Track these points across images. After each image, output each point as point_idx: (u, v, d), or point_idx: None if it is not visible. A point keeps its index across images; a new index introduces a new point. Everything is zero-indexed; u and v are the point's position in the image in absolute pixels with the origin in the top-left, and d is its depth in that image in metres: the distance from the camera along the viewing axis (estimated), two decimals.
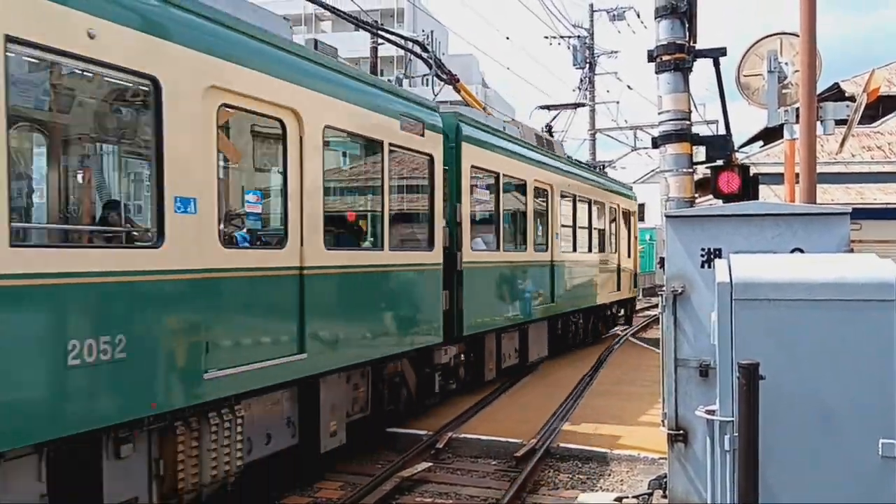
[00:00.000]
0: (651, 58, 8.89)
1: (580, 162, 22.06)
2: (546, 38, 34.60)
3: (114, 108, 6.51)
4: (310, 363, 7.61)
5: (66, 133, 6.74)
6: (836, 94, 17.55)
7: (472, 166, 12.10)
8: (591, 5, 35.31)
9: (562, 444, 9.68)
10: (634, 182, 30.53)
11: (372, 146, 9.27)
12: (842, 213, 5.57)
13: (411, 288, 10.02)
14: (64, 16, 5.00)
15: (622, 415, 11.27)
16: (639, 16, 36.85)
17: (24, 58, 5.29)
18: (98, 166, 7.16)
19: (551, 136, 19.90)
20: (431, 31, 17.78)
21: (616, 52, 39.42)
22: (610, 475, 8.86)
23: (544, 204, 15.39)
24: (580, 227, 17.93)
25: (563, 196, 16.45)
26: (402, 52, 18.66)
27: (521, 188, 14.29)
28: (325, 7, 12.19)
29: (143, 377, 5.61)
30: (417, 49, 15.62)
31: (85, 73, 5.89)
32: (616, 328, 23.41)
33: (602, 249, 20.05)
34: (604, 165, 28.29)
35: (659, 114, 8.98)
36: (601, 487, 8.45)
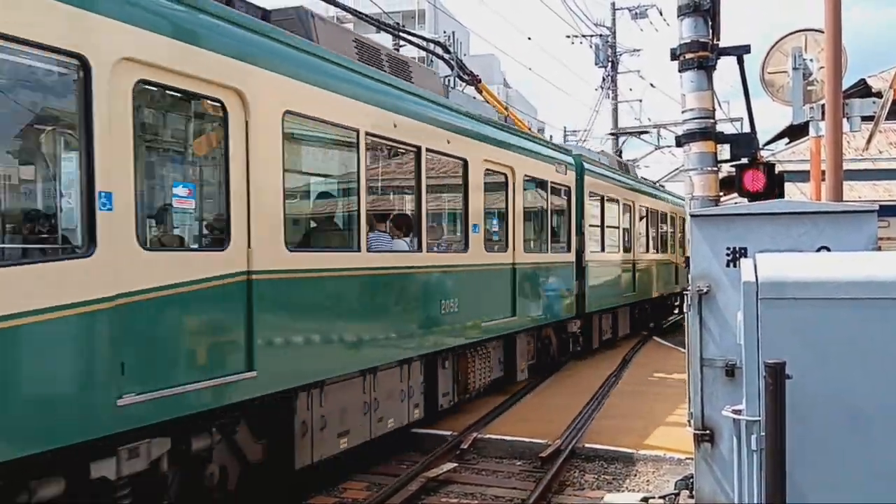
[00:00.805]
0: (674, 56, 8.84)
1: (645, 179, 27.17)
2: (568, 37, 34.55)
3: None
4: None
5: None
6: (862, 90, 17.34)
7: (590, 192, 16.59)
8: (613, 3, 35.16)
9: (587, 445, 9.66)
10: (658, 181, 30.31)
11: (541, 184, 13.91)
12: (869, 210, 5.52)
13: (559, 278, 14.55)
14: None
15: (648, 415, 11.23)
16: (661, 13, 36.68)
17: None
18: None
19: (621, 157, 26.79)
20: (453, 32, 17.85)
21: (638, 50, 39.27)
22: (636, 475, 8.82)
23: (627, 216, 20.12)
24: (650, 232, 22.52)
25: (640, 208, 21.33)
26: (423, 53, 18.67)
27: (615, 203, 18.81)
28: (347, 9, 12.24)
29: None
30: (439, 50, 15.60)
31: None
32: (675, 314, 26.91)
33: (664, 250, 24.67)
34: (628, 164, 28.19)
35: (682, 112, 8.92)
36: (627, 488, 8.43)
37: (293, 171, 7.97)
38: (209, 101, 6.29)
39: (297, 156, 8.33)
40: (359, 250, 8.24)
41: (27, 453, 4.72)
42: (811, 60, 9.76)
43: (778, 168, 10.21)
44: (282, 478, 7.51)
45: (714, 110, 8.95)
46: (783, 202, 7.18)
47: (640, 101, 70.41)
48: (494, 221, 12.07)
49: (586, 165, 16.46)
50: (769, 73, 10.09)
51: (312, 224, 8.61)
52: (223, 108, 6.29)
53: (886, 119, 10.45)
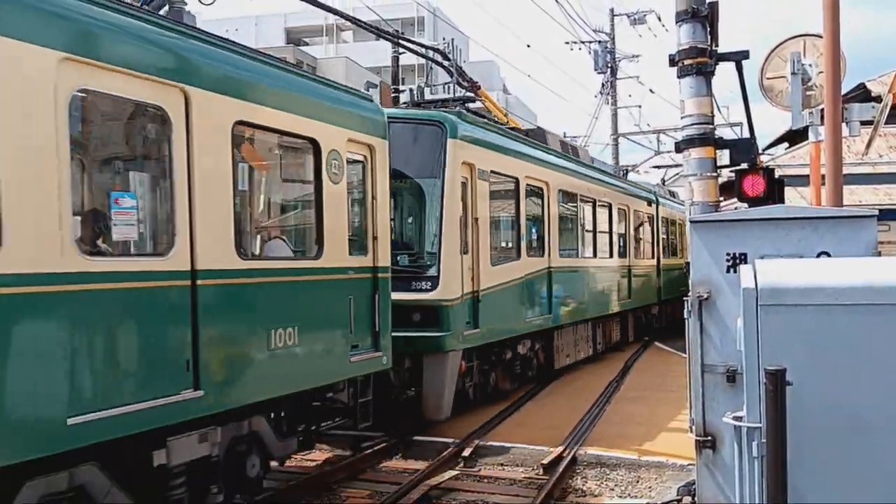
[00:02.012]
0: (673, 62, 8.84)
1: (675, 195, 30.64)
2: (567, 43, 34.43)
3: None
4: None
5: None
6: (861, 94, 17.35)
7: (662, 217, 24.53)
8: (612, 10, 35.16)
9: (589, 451, 9.65)
10: (657, 186, 30.42)
11: (639, 215, 21.87)
12: (868, 215, 5.52)
13: (649, 275, 22.81)
14: None
15: (650, 421, 11.22)
16: (660, 19, 36.59)
17: None
18: None
19: (664, 185, 31.25)
20: (452, 40, 17.78)
21: (637, 55, 39.14)
22: (638, 482, 8.81)
23: (674, 230, 26.78)
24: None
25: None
26: (423, 60, 18.71)
27: (673, 224, 26.58)
28: (346, 17, 12.27)
29: None
30: (438, 57, 15.64)
31: None
32: None
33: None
34: (627, 170, 28.29)
35: (682, 118, 8.92)
36: (630, 494, 8.41)
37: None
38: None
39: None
40: (627, 258, 20.07)
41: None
42: (810, 65, 9.76)
43: (778, 173, 10.21)
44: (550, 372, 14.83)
45: (713, 116, 8.96)
46: (783, 207, 7.19)
47: (640, 106, 70.64)
48: (621, 241, 19.97)
49: (659, 198, 24.61)
50: (768, 78, 10.10)
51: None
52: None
53: (886, 123, 10.44)
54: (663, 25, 36.70)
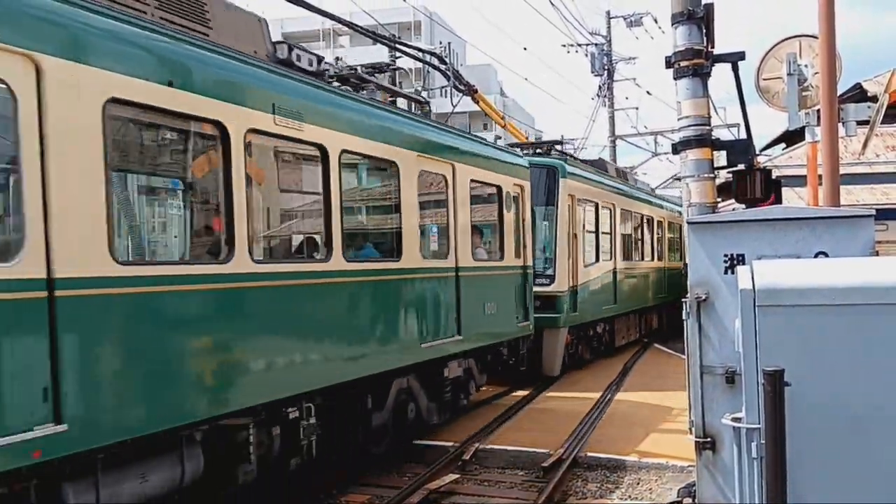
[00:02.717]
0: (669, 64, 8.83)
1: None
2: (563, 46, 34.49)
3: None
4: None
5: None
6: (857, 94, 17.36)
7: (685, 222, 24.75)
8: (608, 12, 35.27)
9: (589, 454, 9.64)
10: (655, 188, 30.45)
11: (666, 222, 24.68)
12: (866, 215, 5.52)
13: (678, 274, 22.54)
14: None
15: (649, 422, 11.21)
16: (656, 21, 36.78)
17: None
18: None
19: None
20: (449, 43, 17.91)
21: (634, 58, 39.19)
22: (639, 484, 8.80)
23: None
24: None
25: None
26: (420, 64, 18.70)
27: None
28: (343, 22, 12.26)
29: None
30: (435, 61, 15.63)
31: None
32: None
33: None
34: (625, 171, 28.37)
35: (678, 119, 8.92)
36: (630, 496, 8.41)
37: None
38: None
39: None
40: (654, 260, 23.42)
41: None
42: (806, 66, 9.76)
43: (775, 173, 10.22)
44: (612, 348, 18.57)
45: (710, 117, 8.94)
46: (780, 208, 7.18)
47: (637, 108, 70.69)
48: (658, 245, 23.42)
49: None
50: (764, 79, 10.09)
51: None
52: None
53: (882, 122, 10.43)
54: (660, 27, 36.81)
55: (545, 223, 15.04)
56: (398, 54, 21.35)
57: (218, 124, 6.50)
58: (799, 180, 14.82)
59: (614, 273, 18.39)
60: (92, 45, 5.44)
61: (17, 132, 4.90)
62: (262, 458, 7.09)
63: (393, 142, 9.12)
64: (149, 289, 5.78)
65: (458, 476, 9.01)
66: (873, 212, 5.56)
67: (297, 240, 8.84)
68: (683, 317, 5.99)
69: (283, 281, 7.24)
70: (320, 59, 8.99)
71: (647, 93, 68.19)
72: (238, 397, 6.61)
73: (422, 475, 8.95)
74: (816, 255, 5.40)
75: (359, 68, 10.76)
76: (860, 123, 9.81)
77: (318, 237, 8.18)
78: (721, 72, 9.01)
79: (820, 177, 9.27)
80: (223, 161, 6.56)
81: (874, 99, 11.57)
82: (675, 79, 8.74)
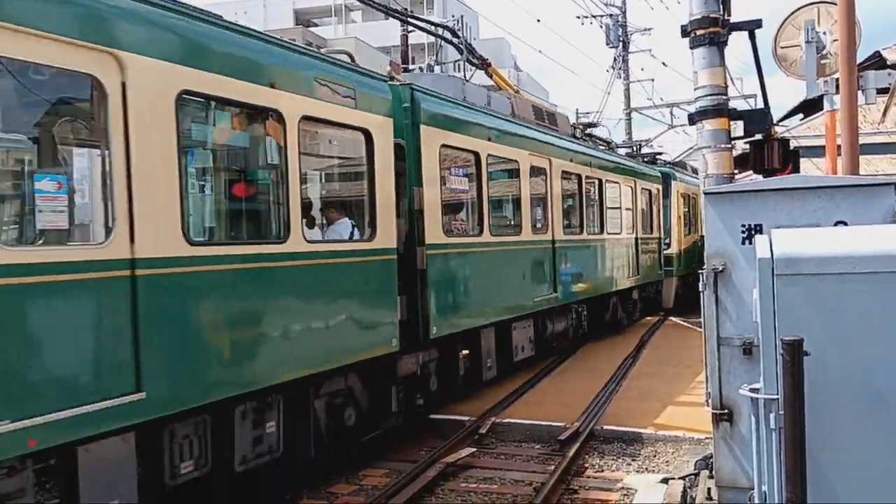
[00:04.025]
0: (685, 33, 8.72)
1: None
2: (578, 17, 34.13)
3: None
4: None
5: None
6: (877, 62, 17.12)
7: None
8: None
9: (606, 427, 9.64)
10: (673, 160, 30.24)
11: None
12: (886, 183, 5.44)
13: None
14: None
15: (666, 395, 11.19)
16: None
17: None
18: None
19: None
20: (462, 17, 17.75)
21: (649, 29, 38.80)
22: (655, 456, 8.80)
23: None
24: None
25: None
26: (432, 38, 18.59)
27: None
28: None
29: None
30: (448, 35, 15.52)
31: None
32: None
33: None
34: (641, 144, 28.14)
35: (695, 89, 8.80)
36: (647, 469, 8.41)
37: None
38: None
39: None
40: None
41: None
42: (824, 33, 9.60)
43: (793, 144, 10.09)
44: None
45: (727, 87, 8.83)
46: (798, 177, 7.10)
47: (653, 80, 70.02)
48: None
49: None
50: (782, 47, 9.94)
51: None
52: None
53: None
54: None
55: (668, 211, 22.91)
56: (411, 28, 21.23)
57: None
58: (817, 151, 14.68)
59: (700, 241, 23.58)
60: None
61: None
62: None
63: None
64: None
65: (474, 450, 9.04)
66: (894, 179, 5.47)
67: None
68: (700, 288, 5.95)
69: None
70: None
71: (663, 64, 67.79)
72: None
73: (438, 449, 8.98)
74: (836, 224, 5.33)
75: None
76: (880, 92, 9.68)
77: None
78: (737, 41, 8.91)
79: (838, 147, 9.15)
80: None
81: (894, 67, 11.40)
82: (691, 48, 8.63)
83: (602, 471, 8.45)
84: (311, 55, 7.87)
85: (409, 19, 15.01)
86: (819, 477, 3.72)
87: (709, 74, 8.60)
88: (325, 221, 8.62)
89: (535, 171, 13.06)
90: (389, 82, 9.07)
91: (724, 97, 8.70)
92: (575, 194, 15.15)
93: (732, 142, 9.09)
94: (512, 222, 12.55)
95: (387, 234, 8.54)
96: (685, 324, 20.02)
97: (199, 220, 6.96)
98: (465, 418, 10.20)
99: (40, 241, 5.26)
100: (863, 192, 5.43)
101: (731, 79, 11.88)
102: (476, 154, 10.98)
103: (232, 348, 6.38)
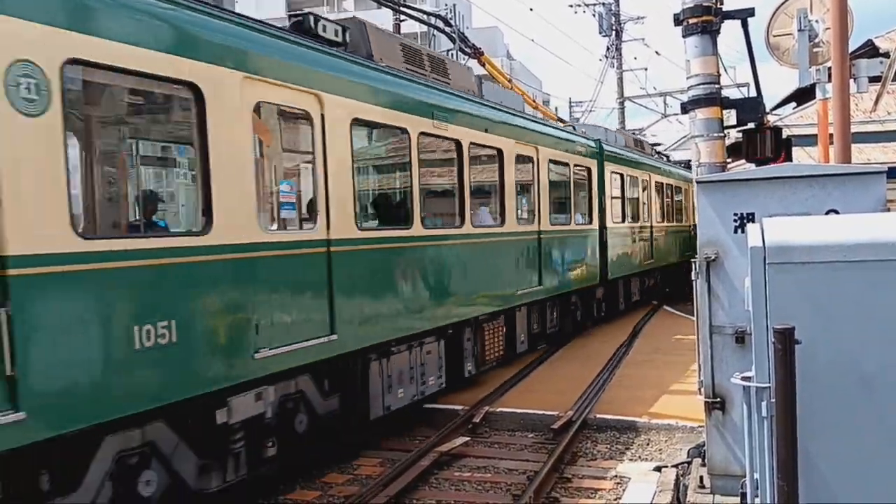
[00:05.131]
0: (678, 21, 8.70)
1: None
2: (570, 6, 34.08)
3: None
4: None
5: None
6: (869, 50, 17.11)
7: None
8: None
9: (599, 415, 9.67)
10: (666, 149, 30.25)
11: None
12: (877, 171, 5.45)
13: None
14: None
15: (659, 384, 11.22)
16: None
17: None
18: None
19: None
20: (454, 5, 17.64)
21: (642, 17, 38.81)
22: (648, 445, 8.83)
23: None
24: None
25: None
26: (425, 27, 18.53)
27: None
28: None
29: None
30: (440, 24, 15.48)
31: None
32: None
33: None
34: (634, 133, 28.16)
35: (687, 78, 8.79)
36: (640, 457, 8.44)
37: None
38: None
39: None
40: None
41: None
42: (817, 22, 9.59)
43: (785, 132, 10.10)
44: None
45: (719, 75, 8.82)
46: (790, 165, 7.11)
47: (646, 69, 70.10)
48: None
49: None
50: (774, 35, 9.93)
51: None
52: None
53: (894, 79, 10.28)
54: None
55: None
56: (403, 17, 21.15)
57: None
58: (809, 140, 14.69)
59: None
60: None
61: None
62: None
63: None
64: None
65: (468, 439, 9.06)
66: (885, 168, 5.48)
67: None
68: (692, 277, 5.96)
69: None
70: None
71: (656, 53, 67.74)
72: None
73: (432, 438, 8.99)
74: (827, 213, 5.35)
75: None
76: (872, 80, 9.66)
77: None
78: (729, 30, 8.91)
79: (831, 135, 9.15)
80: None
81: (886, 55, 11.40)
82: (684, 36, 8.61)
83: (595, 459, 8.48)
84: (564, 135, 15.69)
85: (402, 8, 14.94)
86: (810, 464, 3.74)
87: (701, 63, 8.59)
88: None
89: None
90: (595, 139, 17.52)
91: (716, 86, 8.70)
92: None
93: (725, 131, 9.09)
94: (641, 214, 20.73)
95: (593, 219, 16.68)
96: (678, 313, 20.07)
97: (363, 213, 9.37)
98: (459, 408, 10.22)
99: (276, 227, 7.76)
100: (854, 180, 5.45)
101: (724, 68, 11.95)
102: (621, 174, 18.84)
103: (386, 302, 8.77)
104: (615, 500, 7.27)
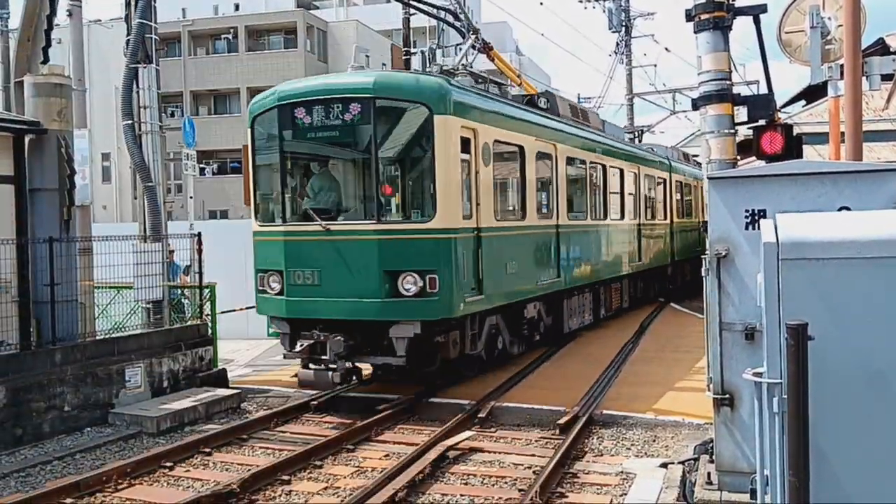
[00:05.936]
0: (689, 17, 8.67)
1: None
2: (580, 1, 33.98)
3: None
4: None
5: None
6: (881, 48, 17.04)
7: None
8: None
9: (605, 411, 9.66)
10: (675, 146, 30.16)
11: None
12: (890, 169, 5.42)
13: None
14: None
15: (666, 381, 11.21)
16: None
17: None
18: None
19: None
20: (463, 0, 17.53)
21: (652, 13, 38.64)
22: (655, 441, 8.81)
23: None
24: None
25: None
26: (434, 22, 18.50)
27: None
28: None
29: None
30: (450, 18, 15.44)
31: None
32: None
33: None
34: (642, 130, 28.08)
35: (699, 74, 8.75)
36: (646, 453, 8.42)
37: None
38: None
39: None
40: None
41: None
42: (829, 19, 9.55)
43: (796, 130, 10.04)
44: None
45: (731, 72, 8.78)
46: (802, 162, 7.07)
47: (655, 65, 69.83)
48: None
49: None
50: (786, 32, 9.89)
51: None
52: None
53: None
54: None
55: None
56: (413, 11, 21.12)
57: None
58: (820, 138, 14.64)
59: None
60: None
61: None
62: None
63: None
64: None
65: (474, 433, 9.06)
66: None
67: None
68: (703, 273, 5.94)
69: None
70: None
71: (666, 49, 67.47)
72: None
73: (439, 432, 8.99)
74: (839, 210, 5.32)
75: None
76: (884, 78, 9.61)
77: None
78: (740, 27, 8.87)
79: (842, 133, 9.11)
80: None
81: None
82: (695, 32, 8.57)
83: (601, 455, 8.47)
84: (653, 157, 21.65)
85: (411, 2, 14.91)
86: (821, 460, 3.73)
87: (713, 59, 8.56)
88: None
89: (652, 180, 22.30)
90: (665, 157, 22.93)
91: (727, 82, 8.66)
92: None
93: (735, 127, 9.05)
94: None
95: (666, 215, 22.45)
96: (685, 310, 20.03)
97: (568, 208, 14.55)
98: (465, 402, 10.22)
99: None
100: (867, 177, 5.42)
101: (735, 65, 11.90)
102: (681, 182, 24.08)
103: (578, 263, 14.62)
104: (621, 495, 7.25)
